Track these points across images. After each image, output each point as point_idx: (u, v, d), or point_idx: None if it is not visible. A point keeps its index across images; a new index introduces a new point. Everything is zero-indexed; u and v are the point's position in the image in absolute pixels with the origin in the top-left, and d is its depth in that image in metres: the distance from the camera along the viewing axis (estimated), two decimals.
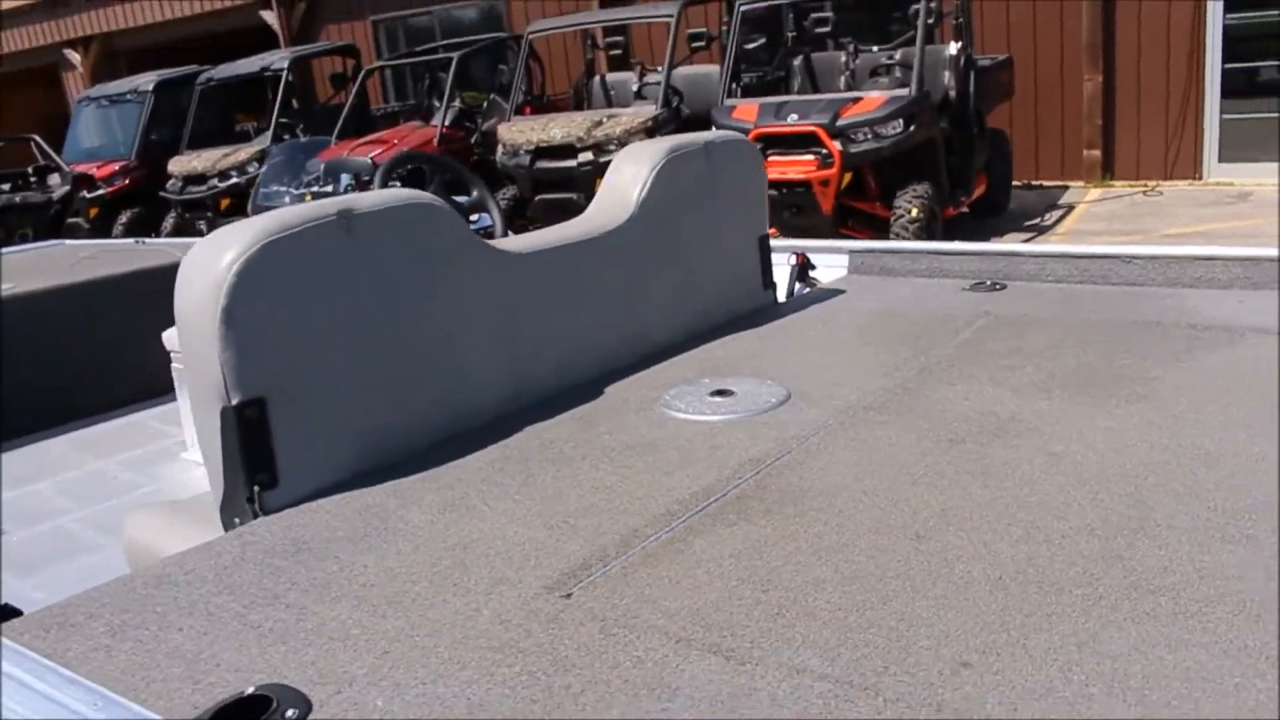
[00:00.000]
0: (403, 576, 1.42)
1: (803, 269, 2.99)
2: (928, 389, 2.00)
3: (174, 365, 3.68)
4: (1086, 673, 1.05)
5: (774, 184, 7.70)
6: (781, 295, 2.93)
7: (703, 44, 10.34)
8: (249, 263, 1.62)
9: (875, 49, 9.93)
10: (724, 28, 10.60)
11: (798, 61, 10.15)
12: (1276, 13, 10.54)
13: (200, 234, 10.26)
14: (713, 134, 2.65)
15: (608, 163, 7.96)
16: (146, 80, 14.58)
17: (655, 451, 1.79)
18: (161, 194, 12.95)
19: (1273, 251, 2.50)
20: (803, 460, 1.71)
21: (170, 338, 3.76)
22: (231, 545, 1.56)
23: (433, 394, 1.90)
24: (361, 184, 7.91)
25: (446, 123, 11.18)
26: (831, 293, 2.81)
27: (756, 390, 2.03)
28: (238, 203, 12.06)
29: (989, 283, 2.75)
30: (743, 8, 9.33)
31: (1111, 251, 2.71)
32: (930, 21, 8.71)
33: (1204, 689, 1.01)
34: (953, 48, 9.02)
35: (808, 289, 2.97)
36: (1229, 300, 2.43)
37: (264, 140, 12.76)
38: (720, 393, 2.03)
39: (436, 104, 12.94)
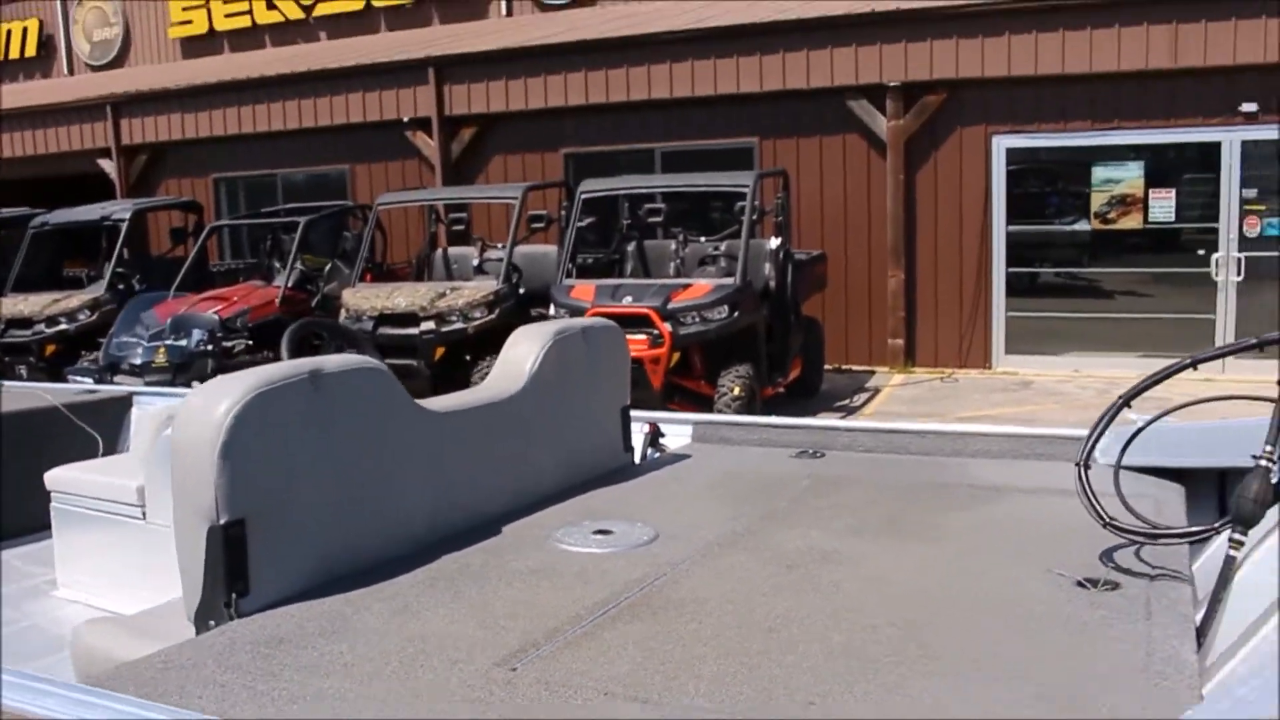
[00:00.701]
0: (375, 660, 1.78)
1: (654, 435, 3.47)
2: (768, 531, 2.49)
3: (54, 505, 3.87)
4: (887, 708, 1.53)
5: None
6: (636, 458, 3.40)
7: (542, 225, 11.02)
8: (243, 410, 2.00)
9: (703, 239, 10.79)
10: (562, 211, 11.36)
11: (631, 247, 10.92)
12: (1050, 225, 11.96)
13: (20, 379, 10.12)
14: (589, 320, 3.14)
15: (449, 333, 8.41)
16: None
17: (556, 575, 2.20)
18: None
19: (1034, 430, 3.14)
20: (676, 580, 2.15)
21: (53, 479, 3.95)
22: (219, 639, 1.89)
23: (374, 523, 2.29)
24: (214, 338, 8.11)
25: (289, 284, 11.44)
26: (679, 456, 3.30)
27: (630, 530, 2.47)
28: (63, 350, 11.96)
29: (811, 451, 3.28)
30: (583, 195, 10.06)
31: (908, 428, 3.30)
32: (754, 218, 9.59)
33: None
34: (773, 242, 9.91)
35: (658, 453, 3.44)
36: (999, 467, 3.03)
37: (98, 289, 12.73)
38: (601, 531, 2.46)
39: (277, 265, 13.21)
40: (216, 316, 9.06)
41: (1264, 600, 1.67)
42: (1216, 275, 11.07)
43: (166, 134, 16.83)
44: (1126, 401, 2.18)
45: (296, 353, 3.34)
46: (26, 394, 4.91)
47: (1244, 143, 10.86)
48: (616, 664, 1.74)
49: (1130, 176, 11.47)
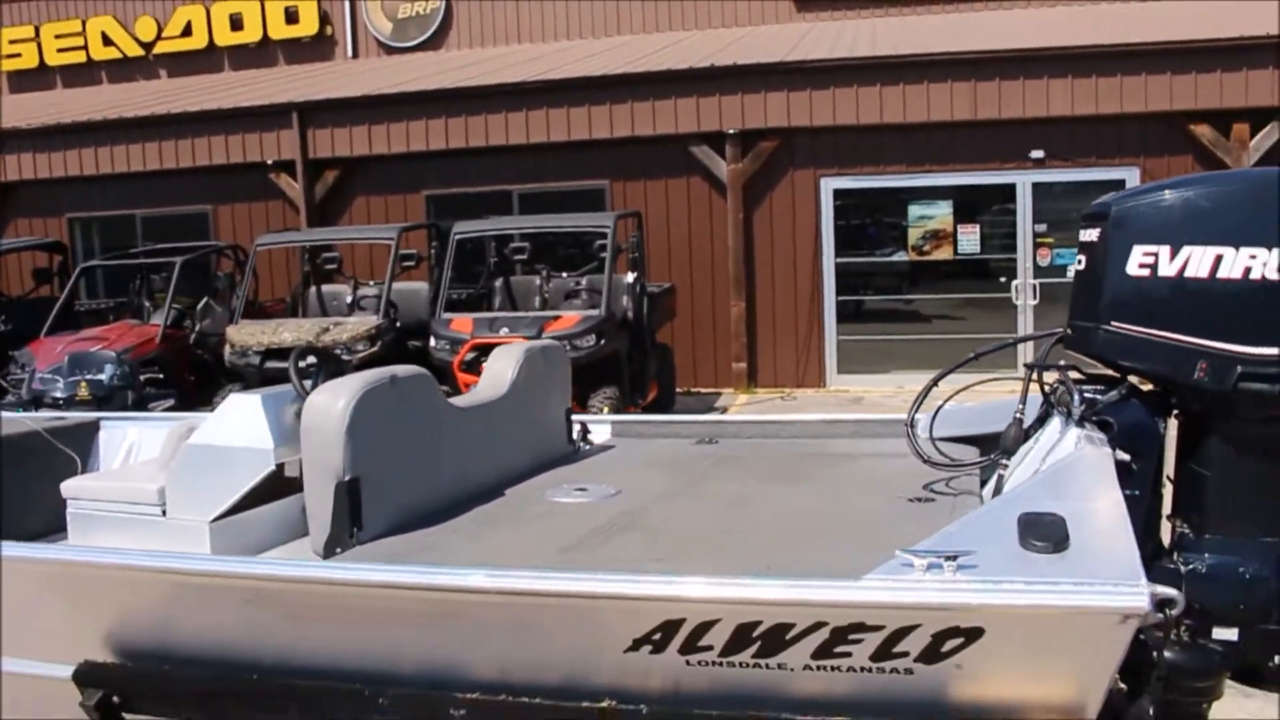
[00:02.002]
0: (477, 558, 2.66)
1: (584, 432, 4.40)
2: (695, 486, 3.50)
3: (70, 511, 4.54)
4: (807, 563, 2.50)
5: None
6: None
7: (413, 263, 11.81)
8: (358, 402, 2.86)
9: (564, 275, 11.76)
10: (431, 250, 12.17)
11: (498, 283, 11.81)
12: (873, 257, 13.37)
13: None
14: (544, 342, 4.06)
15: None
16: None
17: (560, 515, 3.14)
18: None
19: (873, 416, 4.23)
20: (645, 513, 3.12)
21: (69, 488, 4.62)
22: (355, 554, 2.76)
23: (425, 484, 3.17)
24: (131, 372, 8.63)
25: (168, 322, 11.88)
26: (607, 446, 4.27)
27: (599, 488, 3.42)
28: None
29: (707, 439, 4.28)
30: (457, 235, 10.91)
31: (781, 418, 4.35)
32: (613, 255, 10.61)
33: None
34: (630, 277, 10.93)
35: (589, 445, 4.38)
36: (850, 443, 4.10)
37: None
38: (579, 489, 3.40)
39: (147, 304, 13.57)
40: (113, 353, 9.52)
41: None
42: (1016, 300, 12.63)
43: (15, 174, 16.76)
44: (935, 381, 3.25)
45: (300, 369, 4.17)
46: (4, 421, 5.51)
47: (1034, 184, 12.50)
48: (630, 552, 2.68)
49: (941, 213, 12.98)
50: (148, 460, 4.94)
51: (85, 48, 21.01)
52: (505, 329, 9.79)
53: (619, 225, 10.92)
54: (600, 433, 4.49)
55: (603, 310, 10.03)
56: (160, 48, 20.51)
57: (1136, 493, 2.74)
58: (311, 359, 4.21)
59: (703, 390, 13.49)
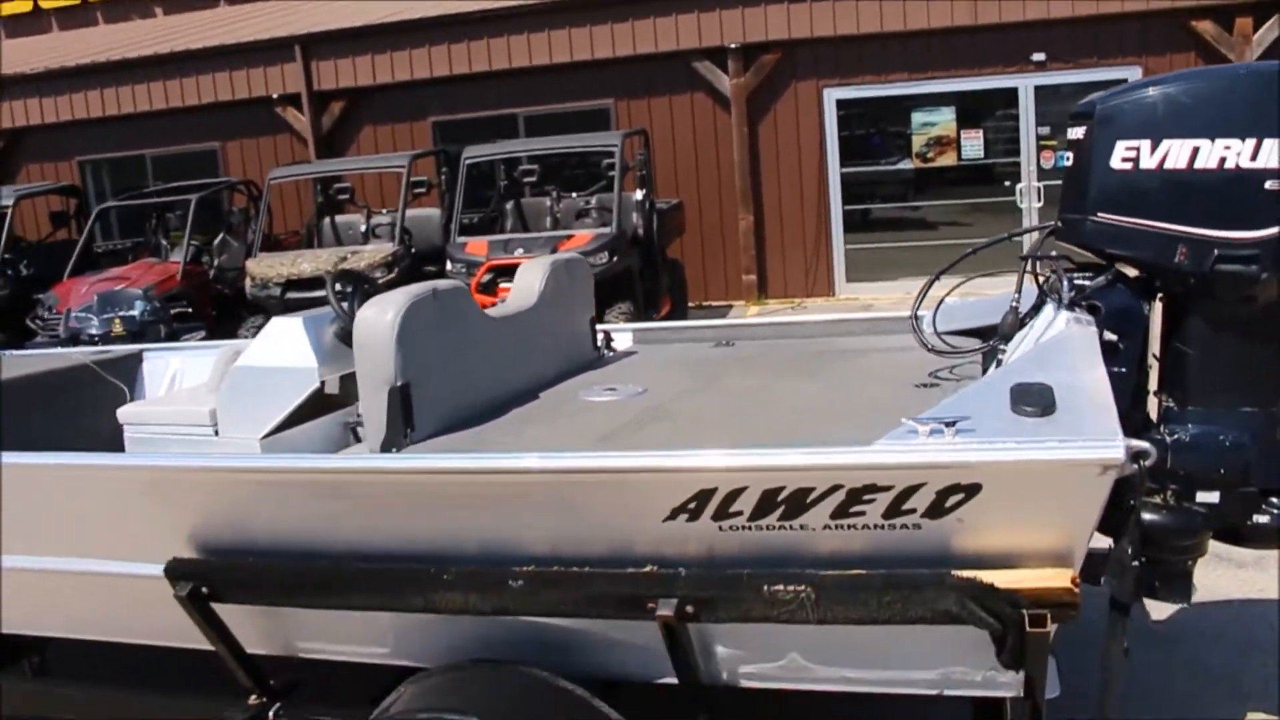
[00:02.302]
0: (521, 449, 2.90)
1: (607, 340, 4.65)
2: (715, 382, 3.75)
3: (128, 435, 4.83)
4: (823, 440, 2.75)
5: None
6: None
7: (424, 190, 12.00)
8: (405, 313, 3.11)
9: (574, 195, 11.94)
10: (441, 176, 12.34)
11: (509, 206, 11.99)
12: (878, 166, 13.49)
13: None
14: (567, 255, 4.30)
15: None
16: None
17: (595, 411, 3.40)
18: None
19: (879, 314, 4.46)
20: (673, 406, 3.39)
21: (125, 413, 4.90)
22: (409, 452, 3.02)
23: (467, 389, 3.42)
24: (162, 306, 8.92)
25: (187, 259, 12.11)
26: (630, 352, 4.53)
27: (626, 388, 3.67)
28: None
29: (724, 341, 4.53)
30: (467, 160, 11.08)
31: (791, 319, 4.59)
32: (621, 173, 10.78)
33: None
34: (638, 194, 11.11)
35: (612, 352, 4.63)
36: (860, 340, 4.34)
37: None
38: (608, 389, 3.66)
39: (164, 242, 13.78)
40: (140, 291, 9.77)
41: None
42: (1021, 203, 12.76)
43: (24, 119, 16.90)
44: (936, 277, 3.49)
45: (336, 292, 4.41)
46: (53, 357, 5.80)
47: (1036, 87, 12.56)
48: (661, 439, 2.94)
49: (944, 120, 13.07)
50: (196, 385, 5.21)
51: None
52: (520, 250, 10.01)
53: (626, 144, 11.07)
54: (622, 341, 4.73)
55: (614, 228, 10.24)
56: None
57: (1124, 370, 2.98)
58: (344, 284, 4.45)
59: (714, 303, 13.72)
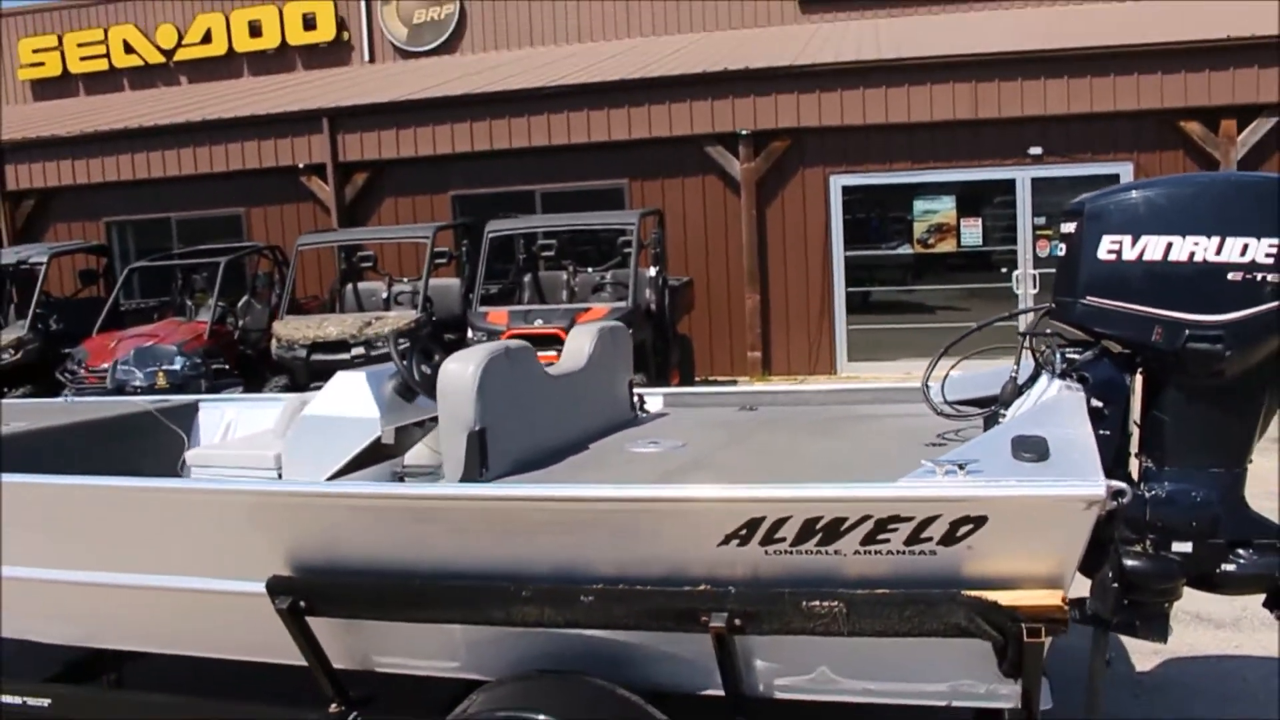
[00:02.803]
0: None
1: (641, 401, 5.09)
2: (746, 439, 4.19)
3: (194, 475, 5.23)
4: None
5: None
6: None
7: (445, 260, 12.54)
8: (486, 365, 3.56)
9: (589, 270, 12.47)
10: (462, 247, 12.88)
11: (527, 278, 12.51)
12: (880, 250, 14.05)
13: None
14: (612, 323, 4.74)
15: (377, 356, 9.87)
16: None
17: (644, 461, 3.82)
18: None
19: (890, 385, 4.91)
20: (711, 457, 3.80)
21: (194, 456, 5.32)
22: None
23: (530, 437, 3.85)
24: (194, 363, 9.36)
25: (214, 320, 12.58)
26: (662, 414, 4.97)
27: (668, 442, 4.10)
28: None
29: (748, 406, 4.97)
30: (490, 234, 11.62)
31: (809, 388, 5.04)
32: (637, 250, 11.32)
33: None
34: (652, 271, 11.64)
35: (646, 412, 5.07)
36: (873, 406, 4.78)
37: (20, 329, 13.57)
38: (651, 443, 4.09)
39: (189, 302, 14.27)
40: (174, 347, 10.22)
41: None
42: (1017, 289, 13.31)
43: (55, 180, 17.46)
44: (945, 350, 3.95)
45: (417, 354, 4.87)
46: (115, 403, 6.23)
47: (1033, 179, 13.19)
48: (707, 481, 3.37)
49: (945, 208, 13.67)
50: (257, 432, 5.62)
51: (108, 55, 21.74)
52: (539, 320, 10.49)
53: (641, 222, 11.62)
54: (653, 403, 5.18)
55: (629, 302, 10.73)
56: (181, 54, 21.25)
57: (1108, 433, 3.42)
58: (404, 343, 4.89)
59: (720, 378, 14.18)
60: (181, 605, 3.69)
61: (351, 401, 4.75)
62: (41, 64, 22.40)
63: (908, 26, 15.86)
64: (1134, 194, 3.46)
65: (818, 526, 2.69)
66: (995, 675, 2.82)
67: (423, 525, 3.17)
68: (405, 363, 4.91)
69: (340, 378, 4.93)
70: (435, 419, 5.08)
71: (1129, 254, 3.36)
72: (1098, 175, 12.63)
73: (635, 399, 5.06)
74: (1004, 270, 13.50)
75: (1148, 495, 3.43)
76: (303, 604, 3.30)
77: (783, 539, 2.74)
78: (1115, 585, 3.12)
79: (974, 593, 2.67)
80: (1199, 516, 3.40)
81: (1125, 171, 12.68)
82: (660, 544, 2.90)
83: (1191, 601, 5.44)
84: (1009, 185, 13.36)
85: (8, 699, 4.27)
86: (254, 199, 16.55)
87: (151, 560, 3.64)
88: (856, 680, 3.01)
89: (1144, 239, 3.34)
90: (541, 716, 3.02)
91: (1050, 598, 2.64)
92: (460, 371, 3.58)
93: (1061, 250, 3.65)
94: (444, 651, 3.41)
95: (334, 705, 3.55)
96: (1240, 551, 3.43)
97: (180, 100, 19.18)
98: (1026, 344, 3.77)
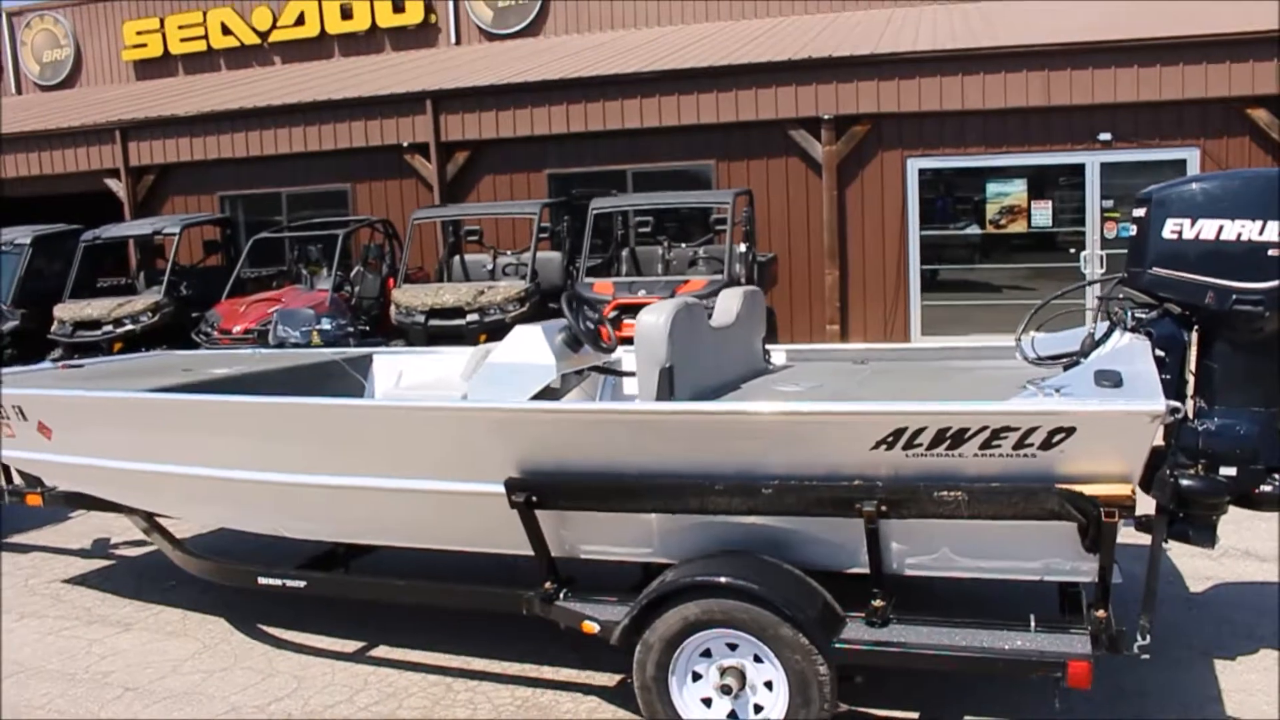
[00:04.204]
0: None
1: (768, 355, 6.03)
2: (868, 384, 5.08)
3: None
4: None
5: (626, 340, 10.81)
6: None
7: (546, 234, 13.54)
8: (673, 317, 4.49)
9: (683, 245, 13.41)
10: (564, 222, 13.87)
11: (625, 252, 13.48)
12: (953, 230, 14.83)
13: None
14: (749, 288, 5.66)
15: (492, 321, 10.97)
16: (22, 234, 16.18)
17: (789, 397, 4.75)
18: (50, 336, 14.59)
19: (985, 343, 5.79)
20: (843, 394, 4.69)
21: (383, 398, 6.34)
22: None
23: (702, 375, 4.77)
24: (341, 324, 10.47)
25: (332, 288, 13.69)
26: (787, 365, 5.90)
27: (806, 384, 5.02)
28: (127, 349, 13.96)
29: (860, 360, 5.89)
30: (594, 210, 12.59)
31: (912, 346, 5.95)
32: (731, 227, 12.23)
33: None
34: (742, 247, 12.55)
35: (772, 365, 6.00)
36: (965, 362, 5.65)
37: (156, 294, 14.79)
38: (793, 385, 5.02)
39: (304, 271, 15.40)
40: (312, 311, 11.31)
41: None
42: (1085, 269, 14.04)
43: (174, 156, 18.62)
44: (1038, 309, 4.84)
45: (569, 309, 5.82)
46: (304, 354, 7.29)
47: (1102, 164, 13.89)
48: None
49: (1016, 190, 14.42)
50: (432, 380, 6.62)
51: (206, 37, 23.03)
52: (642, 291, 11.44)
53: (735, 201, 12.53)
54: (777, 358, 6.12)
55: (725, 275, 11.66)
56: (275, 36, 22.46)
57: (1168, 378, 4.29)
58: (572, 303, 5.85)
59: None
60: (424, 505, 4.69)
61: (531, 350, 5.69)
62: (144, 45, 23.73)
63: (984, 12, 16.56)
64: (1194, 185, 4.33)
65: (947, 434, 3.62)
66: (1078, 554, 3.74)
67: (634, 436, 4.14)
68: (574, 319, 5.87)
69: (520, 330, 5.89)
70: (592, 368, 6.07)
71: (1188, 234, 4.23)
72: (1165, 160, 13.34)
73: (765, 352, 5.99)
74: (1072, 250, 14.22)
75: (1199, 429, 4.31)
76: (535, 499, 4.29)
77: (920, 444, 3.67)
78: (1171, 480, 3.99)
79: (1065, 485, 3.58)
80: (1242, 446, 4.26)
81: (1192, 157, 13.35)
82: (824, 449, 3.84)
83: (1241, 539, 6.33)
84: (1079, 169, 14.06)
85: (268, 581, 5.33)
86: (359, 175, 17.60)
87: (402, 467, 4.65)
88: (970, 559, 3.94)
89: (1200, 222, 4.22)
90: (724, 578, 3.98)
91: (1122, 489, 3.56)
92: (655, 321, 4.53)
93: (1133, 231, 4.52)
94: (638, 540, 4.39)
95: (548, 584, 4.54)
96: (1275, 476, 4.30)
97: (279, 80, 20.33)
98: (1103, 307, 4.65)
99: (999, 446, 3.60)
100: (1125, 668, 4.39)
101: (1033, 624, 3.86)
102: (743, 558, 4.10)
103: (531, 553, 4.53)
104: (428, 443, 4.55)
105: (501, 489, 4.34)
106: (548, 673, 5.12)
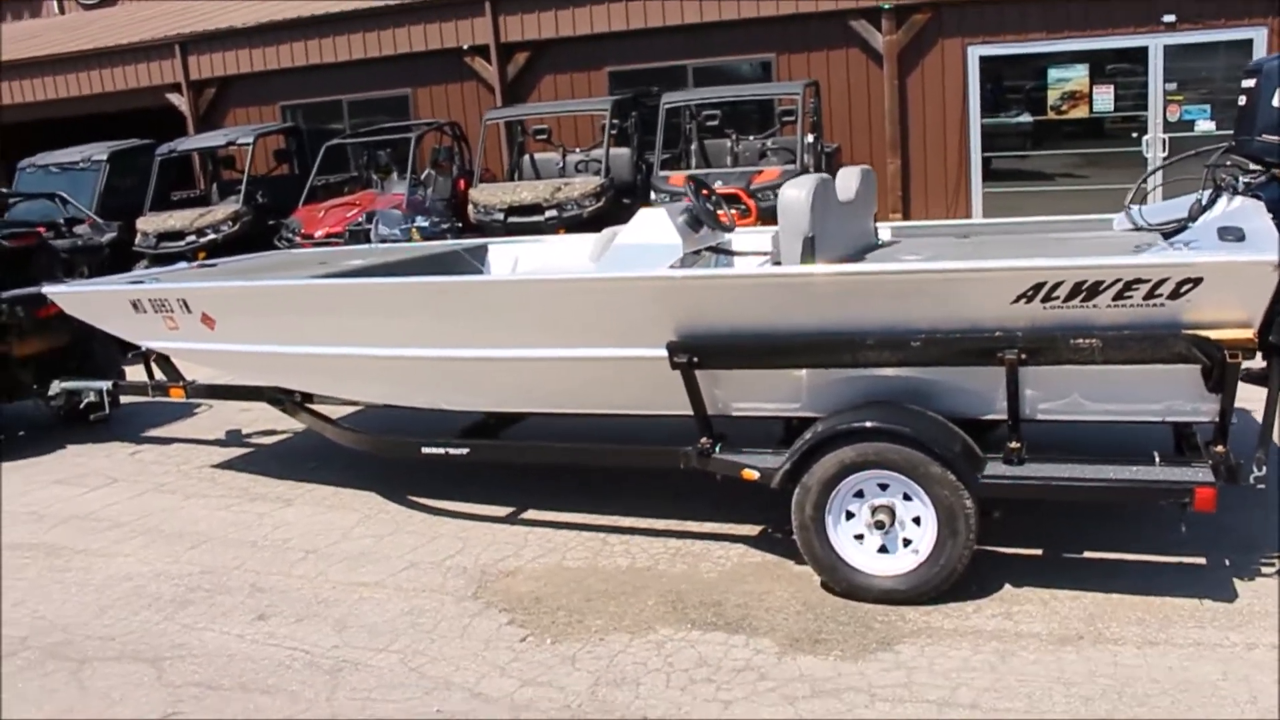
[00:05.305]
0: None
1: (875, 231, 6.40)
2: (979, 251, 5.43)
3: None
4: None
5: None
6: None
7: (615, 131, 13.84)
8: (815, 189, 4.86)
9: (751, 138, 13.68)
10: (632, 119, 14.14)
11: (694, 146, 13.77)
12: (1014, 118, 14.99)
13: None
14: (864, 167, 6.01)
15: (569, 216, 11.38)
16: (98, 150, 16.62)
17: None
18: (135, 248, 15.10)
19: (1079, 217, 6.15)
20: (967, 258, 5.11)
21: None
22: None
23: (835, 244, 5.13)
24: (435, 221, 10.97)
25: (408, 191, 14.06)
26: (894, 241, 6.26)
27: (926, 254, 5.40)
28: (210, 257, 14.45)
29: (964, 234, 6.24)
30: (666, 104, 12.88)
31: (1009, 221, 6.32)
32: (801, 118, 12.49)
33: None
34: (810, 138, 12.81)
35: (881, 239, 6.37)
36: (1064, 233, 5.97)
37: (235, 203, 15.23)
38: (913, 254, 5.40)
39: (374, 176, 15.78)
40: (398, 211, 11.73)
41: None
42: (1147, 153, 14.19)
43: (234, 68, 18.87)
44: (1147, 177, 5.19)
45: (694, 192, 6.20)
46: (428, 246, 7.74)
47: (1166, 46, 13.94)
48: None
49: (1077, 76, 14.50)
50: (551, 264, 7.05)
51: None
52: (719, 182, 11.75)
53: (804, 92, 12.77)
54: (883, 234, 6.50)
55: (798, 164, 11.96)
56: None
57: None
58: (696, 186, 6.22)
59: None
60: (587, 371, 5.16)
61: (657, 231, 6.07)
62: None
63: None
64: None
65: (1083, 287, 4.03)
66: (1200, 395, 4.16)
67: (788, 297, 4.57)
68: (700, 201, 6.27)
69: (645, 213, 6.28)
70: (710, 248, 6.47)
71: None
72: (1231, 40, 13.38)
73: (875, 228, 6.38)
74: (1134, 135, 14.34)
75: None
76: (695, 359, 4.75)
77: (1057, 297, 4.08)
78: None
79: (1192, 331, 3.99)
80: None
81: (1259, 36, 13.36)
82: (967, 304, 4.25)
83: None
84: (1141, 53, 14.11)
85: (431, 450, 5.84)
86: (420, 80, 17.83)
87: (567, 337, 5.10)
88: (1098, 403, 4.37)
89: None
90: (870, 423, 4.44)
91: (1244, 333, 3.96)
92: (797, 195, 4.92)
93: (1242, 101, 4.86)
94: (788, 395, 4.84)
95: (704, 440, 5.01)
96: None
97: None
98: (1209, 175, 5.00)
99: (1130, 298, 4.00)
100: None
101: (1157, 459, 4.30)
102: (889, 406, 4.55)
103: (682, 412, 5.00)
104: (592, 312, 4.98)
105: (663, 352, 4.79)
106: (693, 526, 5.64)
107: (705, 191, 6.31)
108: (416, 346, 5.47)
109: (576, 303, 5.00)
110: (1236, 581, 4.53)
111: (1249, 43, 13.18)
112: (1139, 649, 4.04)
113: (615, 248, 6.19)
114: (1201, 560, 4.76)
